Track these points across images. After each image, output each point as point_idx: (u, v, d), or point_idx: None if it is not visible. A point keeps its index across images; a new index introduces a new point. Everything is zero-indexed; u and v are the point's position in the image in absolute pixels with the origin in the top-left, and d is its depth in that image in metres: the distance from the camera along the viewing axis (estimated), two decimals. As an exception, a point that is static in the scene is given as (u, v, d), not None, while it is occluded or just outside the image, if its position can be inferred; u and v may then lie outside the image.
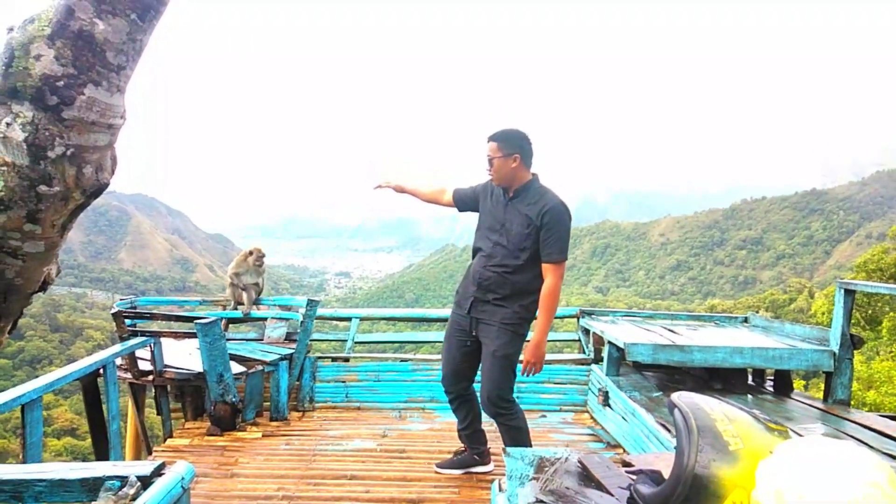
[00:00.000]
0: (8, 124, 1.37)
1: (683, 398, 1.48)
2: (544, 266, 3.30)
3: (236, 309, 5.65)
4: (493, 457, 3.81)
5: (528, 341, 3.39)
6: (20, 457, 2.86)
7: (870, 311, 15.44)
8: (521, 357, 3.42)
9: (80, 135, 1.43)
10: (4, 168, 1.40)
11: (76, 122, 1.41)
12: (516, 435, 3.46)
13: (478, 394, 3.62)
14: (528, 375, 3.37)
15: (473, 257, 3.58)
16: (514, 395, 3.54)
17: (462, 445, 3.84)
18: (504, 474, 3.29)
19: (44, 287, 1.66)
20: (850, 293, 4.09)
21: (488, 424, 3.78)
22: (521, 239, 3.30)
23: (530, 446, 3.49)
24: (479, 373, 3.58)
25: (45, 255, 1.56)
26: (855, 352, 4.13)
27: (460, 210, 3.76)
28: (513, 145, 3.32)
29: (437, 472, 3.76)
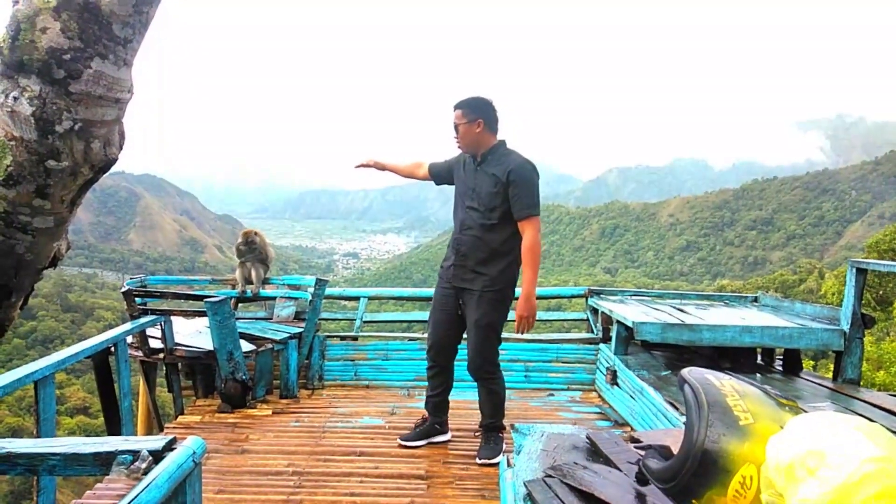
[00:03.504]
0: (15, 98, 1.37)
1: (693, 373, 1.48)
2: (520, 224, 3.39)
3: (244, 290, 5.67)
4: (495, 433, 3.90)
5: (517, 299, 3.47)
6: (35, 432, 2.90)
7: (881, 292, 15.35)
8: (515, 314, 3.47)
9: (88, 109, 1.42)
10: (13, 143, 1.39)
11: (83, 96, 1.40)
12: (495, 399, 3.64)
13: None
14: (521, 332, 3.46)
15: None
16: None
17: (421, 417, 3.94)
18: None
19: (54, 263, 1.66)
20: (861, 272, 4.05)
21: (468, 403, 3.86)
22: (490, 198, 3.41)
23: (504, 412, 3.68)
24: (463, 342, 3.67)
25: (54, 230, 1.56)
26: (865, 332, 4.11)
27: (437, 183, 3.87)
28: (476, 111, 3.43)
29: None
